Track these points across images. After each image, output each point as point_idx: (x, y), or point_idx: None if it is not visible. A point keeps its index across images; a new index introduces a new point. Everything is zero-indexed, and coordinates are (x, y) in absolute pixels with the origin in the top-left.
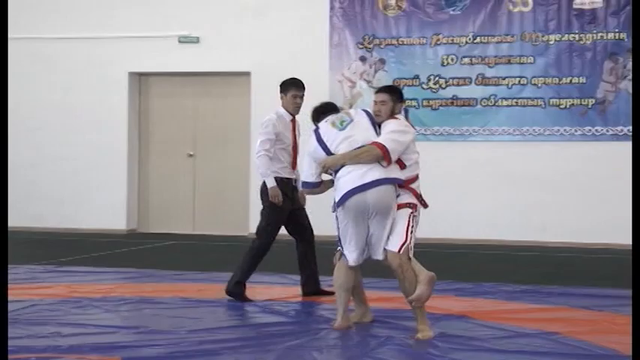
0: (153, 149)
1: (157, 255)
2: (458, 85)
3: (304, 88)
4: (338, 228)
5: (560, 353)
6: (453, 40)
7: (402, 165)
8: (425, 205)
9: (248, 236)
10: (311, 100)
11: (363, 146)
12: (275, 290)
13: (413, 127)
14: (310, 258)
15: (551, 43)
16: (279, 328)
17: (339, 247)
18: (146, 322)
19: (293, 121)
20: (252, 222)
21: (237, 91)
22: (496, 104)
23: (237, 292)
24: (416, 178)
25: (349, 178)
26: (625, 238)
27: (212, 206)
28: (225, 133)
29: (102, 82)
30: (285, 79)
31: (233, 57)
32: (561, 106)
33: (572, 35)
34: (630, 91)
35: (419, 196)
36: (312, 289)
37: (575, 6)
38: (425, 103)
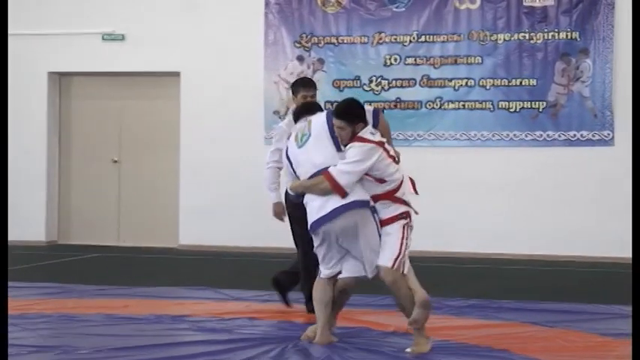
0: (75, 155)
1: (79, 268)
2: (401, 86)
3: (315, 87)
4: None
5: None
6: (396, 39)
7: (381, 180)
8: (415, 212)
9: (178, 248)
10: (245, 103)
11: (318, 172)
12: (208, 306)
13: (387, 128)
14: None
15: (500, 42)
16: (212, 347)
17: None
18: (68, 342)
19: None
20: (182, 232)
21: (165, 93)
22: (442, 107)
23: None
24: (398, 187)
25: (312, 207)
26: (580, 250)
27: (139, 216)
28: (152, 138)
29: (19, 83)
30: (221, 78)
31: (161, 56)
32: (511, 110)
33: (522, 34)
34: (584, 94)
35: (408, 203)
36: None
37: (525, 3)
38: (367, 105)
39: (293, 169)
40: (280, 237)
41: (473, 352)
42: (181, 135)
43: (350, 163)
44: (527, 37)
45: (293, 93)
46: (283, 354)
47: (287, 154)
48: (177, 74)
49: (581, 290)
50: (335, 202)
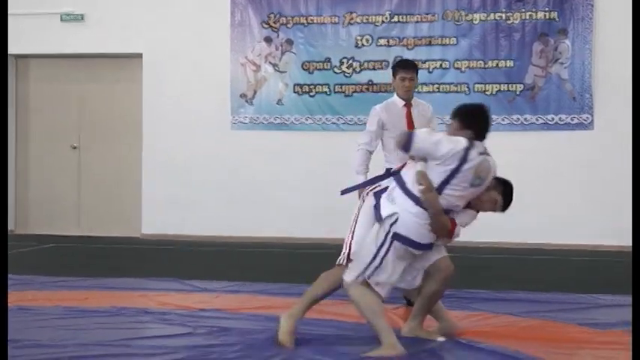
0: (32, 141)
1: (37, 259)
2: (374, 69)
3: (415, 69)
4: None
5: None
6: (368, 19)
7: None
8: None
9: (141, 237)
10: (211, 86)
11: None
12: (174, 297)
13: None
14: None
15: (476, 22)
16: (177, 341)
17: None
18: (25, 335)
19: (408, 105)
20: (145, 221)
21: (127, 76)
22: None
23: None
24: None
25: (422, 224)
26: (559, 237)
27: (100, 205)
28: (114, 123)
29: None
30: (186, 61)
31: (123, 37)
32: (487, 92)
33: (499, 14)
34: (562, 76)
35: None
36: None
37: None
38: (337, 88)
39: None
40: (246, 226)
41: (450, 344)
42: (144, 120)
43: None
44: (503, 17)
45: (393, 74)
46: (250, 347)
47: (457, 169)
48: (139, 56)
49: (560, 279)
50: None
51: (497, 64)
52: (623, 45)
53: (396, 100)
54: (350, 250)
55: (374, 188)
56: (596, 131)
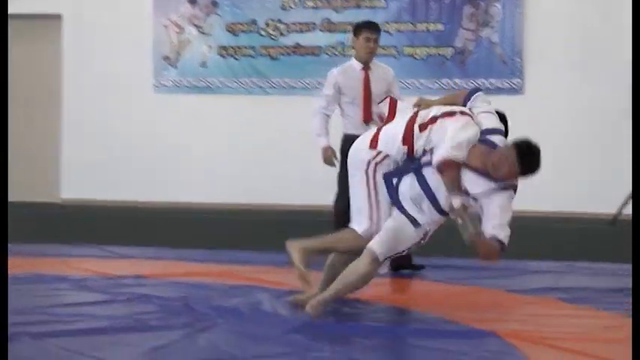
0: None
1: None
2: (300, 31)
3: (379, 31)
4: None
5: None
6: None
7: None
8: None
9: (61, 203)
10: (133, 48)
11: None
12: (93, 264)
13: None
14: None
15: None
16: (95, 308)
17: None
18: None
19: (365, 69)
20: (63, 187)
21: (45, 38)
22: (344, 53)
23: None
24: None
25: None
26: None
27: (17, 169)
28: (31, 87)
29: None
30: (107, 22)
31: None
32: (416, 56)
33: None
34: (493, 39)
35: None
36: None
37: None
38: (263, 51)
39: None
40: (169, 191)
41: (379, 309)
42: (63, 83)
43: None
44: None
45: (355, 34)
46: (171, 314)
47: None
48: (58, 17)
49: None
50: None
51: (426, 28)
52: (554, 8)
53: (354, 64)
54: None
55: (380, 160)
56: (526, 95)
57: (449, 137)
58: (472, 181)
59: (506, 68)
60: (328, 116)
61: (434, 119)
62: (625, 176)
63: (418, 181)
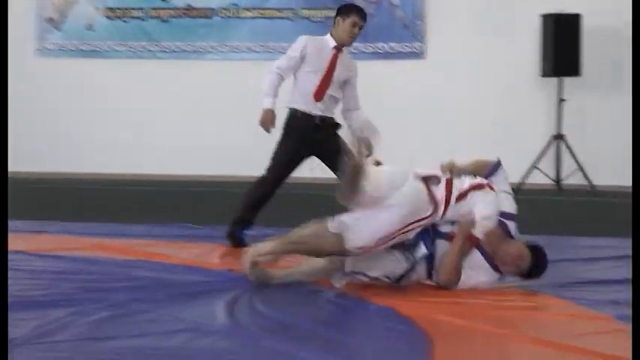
0: None
1: None
2: None
3: (366, 20)
4: None
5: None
6: None
7: None
8: None
9: None
10: (14, 8)
11: None
12: None
13: None
14: None
15: None
16: None
17: None
18: None
19: (337, 49)
20: None
21: None
22: (238, 15)
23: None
24: None
25: None
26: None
27: None
28: None
29: None
30: None
31: None
32: (313, 19)
33: None
34: (393, 2)
35: None
36: None
37: None
38: (153, 13)
39: None
40: (48, 160)
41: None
42: None
43: None
44: None
45: (340, 15)
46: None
47: None
48: None
49: None
50: None
51: None
52: None
53: (328, 40)
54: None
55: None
56: (428, 60)
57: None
58: (477, 266)
59: (407, 32)
60: (283, 79)
61: (467, 191)
62: (531, 144)
63: (426, 246)
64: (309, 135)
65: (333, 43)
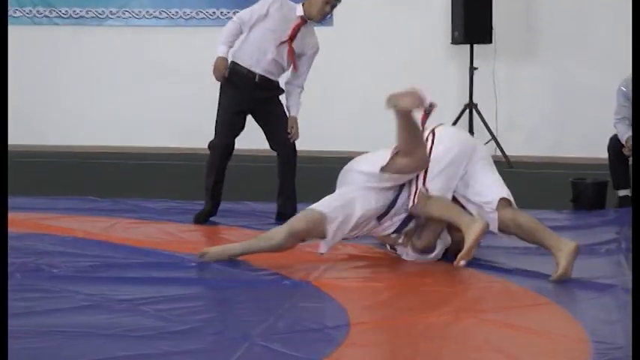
0: None
1: None
2: None
3: (341, 1)
4: None
5: None
6: None
7: None
8: None
9: None
10: None
11: None
12: None
13: None
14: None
15: None
16: None
17: None
18: None
19: (302, 20)
20: None
21: None
22: None
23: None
24: None
25: None
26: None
27: None
28: None
29: None
30: None
31: None
32: None
33: None
34: None
35: None
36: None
37: None
38: None
39: None
40: None
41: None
42: None
43: None
44: None
45: None
46: None
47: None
48: None
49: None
50: None
51: None
52: None
53: (297, 8)
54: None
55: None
56: (335, 28)
57: None
58: None
59: None
60: (241, 32)
61: None
62: (443, 114)
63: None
64: (246, 91)
65: (300, 12)
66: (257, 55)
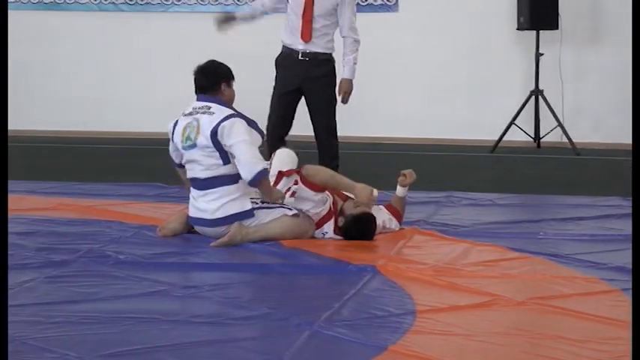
0: None
1: None
2: None
3: None
4: None
5: None
6: None
7: None
8: None
9: None
10: None
11: None
12: None
13: None
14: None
15: None
16: None
17: None
18: None
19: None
20: None
21: None
22: None
23: None
24: None
25: None
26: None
27: None
28: None
29: None
30: None
31: None
32: None
33: None
34: None
35: None
36: None
37: None
38: None
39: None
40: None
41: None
42: None
43: None
44: None
45: None
46: None
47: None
48: None
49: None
50: None
51: None
52: None
53: None
54: None
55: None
56: (400, 13)
57: None
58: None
59: None
60: (263, 6)
61: None
62: (508, 101)
63: None
64: (292, 68)
65: None
66: (291, 33)
